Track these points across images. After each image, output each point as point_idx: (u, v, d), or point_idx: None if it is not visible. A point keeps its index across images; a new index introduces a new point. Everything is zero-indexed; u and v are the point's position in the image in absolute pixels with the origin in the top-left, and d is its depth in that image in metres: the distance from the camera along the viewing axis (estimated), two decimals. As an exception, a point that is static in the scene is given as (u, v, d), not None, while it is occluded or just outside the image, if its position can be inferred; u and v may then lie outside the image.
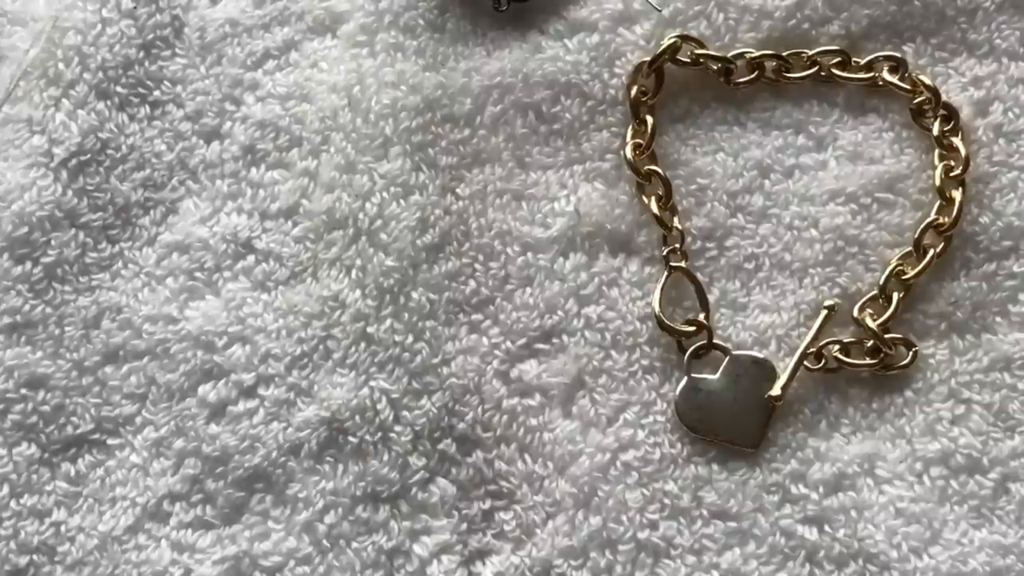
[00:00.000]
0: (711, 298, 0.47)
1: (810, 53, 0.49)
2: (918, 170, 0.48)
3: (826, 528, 0.45)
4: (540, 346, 0.47)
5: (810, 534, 0.45)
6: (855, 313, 0.46)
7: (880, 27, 0.50)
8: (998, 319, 0.47)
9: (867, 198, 0.48)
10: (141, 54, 0.51)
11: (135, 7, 0.51)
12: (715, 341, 0.47)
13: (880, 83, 0.48)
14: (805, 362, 0.46)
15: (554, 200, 0.49)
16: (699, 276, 0.47)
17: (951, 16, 0.50)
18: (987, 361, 0.47)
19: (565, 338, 0.47)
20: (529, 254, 0.48)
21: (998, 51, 0.49)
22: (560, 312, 0.48)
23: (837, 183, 0.48)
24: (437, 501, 0.46)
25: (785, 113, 0.50)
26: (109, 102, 0.50)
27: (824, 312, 0.46)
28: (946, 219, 0.47)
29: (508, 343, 0.47)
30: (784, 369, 0.46)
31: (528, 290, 0.48)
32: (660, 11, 0.50)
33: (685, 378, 0.46)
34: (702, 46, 0.49)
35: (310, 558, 0.46)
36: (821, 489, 0.46)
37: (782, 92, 0.50)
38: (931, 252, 0.47)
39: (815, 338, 0.46)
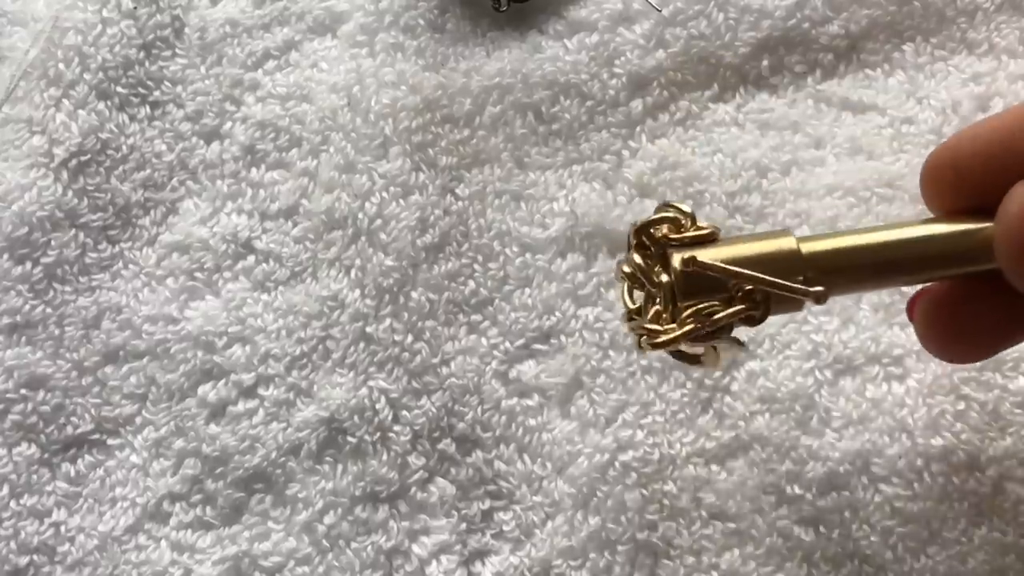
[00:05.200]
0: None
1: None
2: (917, 168, 0.48)
3: (821, 528, 0.45)
4: (538, 346, 0.47)
5: (806, 535, 0.45)
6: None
7: (880, 27, 0.50)
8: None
9: (866, 192, 0.48)
10: (141, 54, 0.51)
11: (135, 7, 0.51)
12: None
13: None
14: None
15: (553, 200, 0.49)
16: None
17: (951, 16, 0.50)
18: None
19: (563, 338, 0.47)
20: (528, 255, 0.48)
21: (997, 49, 0.50)
22: (558, 312, 0.48)
23: (835, 178, 0.48)
24: (436, 501, 0.46)
25: (782, 115, 0.50)
26: (109, 102, 0.50)
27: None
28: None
29: (507, 343, 0.47)
30: None
31: (527, 290, 0.48)
32: (660, 11, 0.50)
33: None
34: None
35: (310, 558, 0.46)
36: (815, 489, 0.45)
37: (779, 94, 0.50)
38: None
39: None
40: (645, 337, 0.37)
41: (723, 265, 0.36)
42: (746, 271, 0.36)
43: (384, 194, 0.48)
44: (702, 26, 0.50)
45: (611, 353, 0.47)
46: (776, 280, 0.36)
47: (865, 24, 0.50)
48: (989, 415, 0.46)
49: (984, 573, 0.44)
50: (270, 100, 0.51)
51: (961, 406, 0.46)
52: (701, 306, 0.37)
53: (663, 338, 0.37)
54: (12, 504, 0.47)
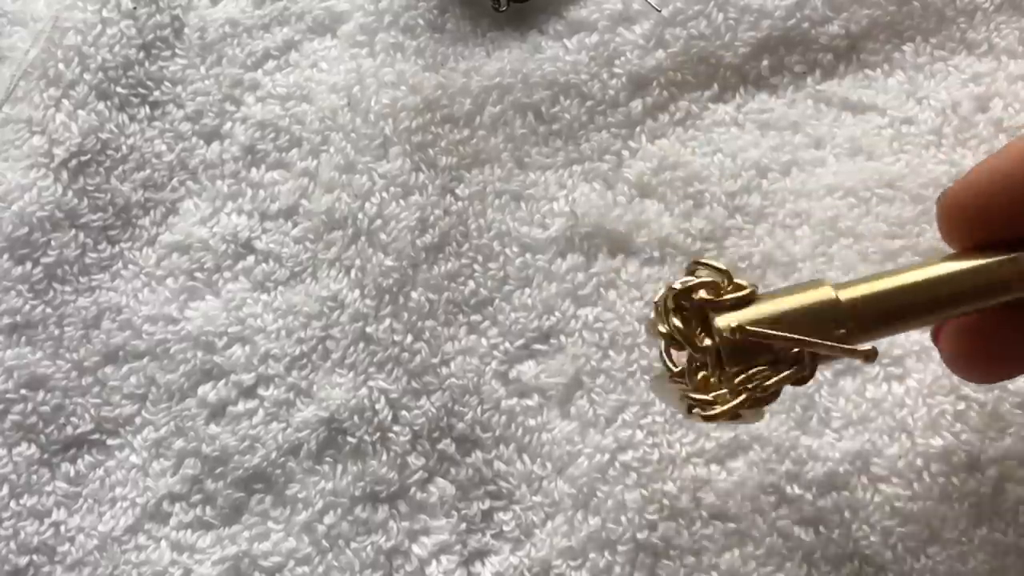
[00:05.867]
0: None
1: None
2: (918, 167, 0.48)
3: (821, 528, 0.45)
4: (538, 347, 0.47)
5: (806, 535, 0.45)
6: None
7: (880, 27, 0.50)
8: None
9: (866, 192, 0.48)
10: (141, 54, 0.51)
11: (135, 8, 0.51)
12: None
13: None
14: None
15: (553, 200, 0.49)
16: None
17: (951, 16, 0.50)
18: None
19: (563, 338, 0.47)
20: (528, 255, 0.48)
21: (997, 49, 0.50)
22: (558, 312, 0.48)
23: (835, 179, 0.48)
24: (436, 501, 0.46)
25: (782, 115, 0.50)
26: (109, 102, 0.50)
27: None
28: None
29: (507, 344, 0.47)
30: None
31: (527, 290, 0.48)
32: (659, 11, 0.50)
33: None
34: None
35: (309, 558, 0.46)
36: (815, 489, 0.45)
37: (779, 94, 0.50)
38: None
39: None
40: (698, 409, 0.37)
41: (772, 332, 0.36)
42: (796, 336, 0.36)
43: (384, 194, 0.48)
44: (702, 26, 0.50)
45: (611, 353, 0.47)
46: (828, 343, 0.36)
47: (865, 24, 0.50)
48: (989, 415, 0.46)
49: (984, 573, 0.44)
50: (270, 100, 0.51)
51: (961, 406, 0.46)
52: (751, 372, 0.37)
53: (719, 410, 0.37)
54: (12, 504, 0.47)
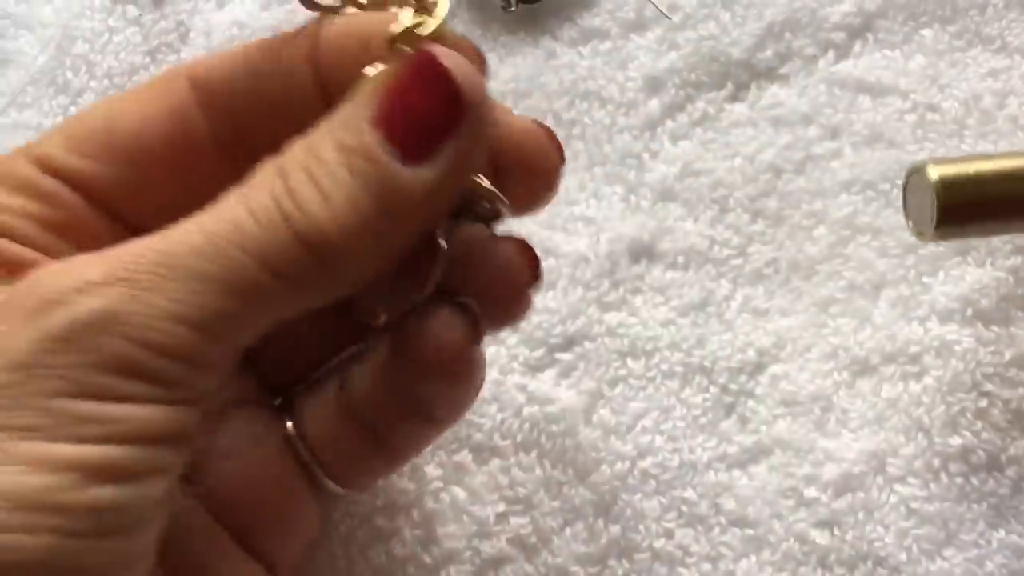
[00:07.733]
0: (734, 304, 0.47)
1: None
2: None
3: (836, 531, 0.45)
4: (560, 355, 0.47)
5: (821, 538, 0.45)
6: None
7: (896, 8, 0.50)
8: (1018, 313, 0.46)
9: (886, 184, 0.48)
10: (147, 59, 0.51)
11: (140, 14, 0.51)
12: None
13: None
14: None
15: (573, 205, 0.48)
16: (723, 283, 0.47)
17: (963, 7, 0.50)
18: (1008, 356, 0.46)
19: (586, 344, 0.47)
20: (551, 259, 0.48)
21: (1010, 48, 0.50)
22: (582, 318, 0.47)
23: (852, 172, 0.48)
24: (448, 508, 0.46)
25: (794, 107, 0.49)
26: (115, 107, 0.50)
27: None
28: None
29: (527, 351, 0.47)
30: None
31: (551, 293, 0.48)
32: (670, 18, 0.50)
33: None
34: None
35: (323, 565, 0.46)
36: (831, 490, 0.45)
37: (791, 83, 0.50)
38: None
39: None
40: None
41: None
42: None
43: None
44: (711, 27, 0.50)
45: (633, 359, 0.47)
46: None
47: (880, 3, 0.50)
48: (1012, 413, 0.45)
49: (1002, 577, 0.44)
50: (280, 105, 0.50)
51: (983, 403, 0.45)
52: None
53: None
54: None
